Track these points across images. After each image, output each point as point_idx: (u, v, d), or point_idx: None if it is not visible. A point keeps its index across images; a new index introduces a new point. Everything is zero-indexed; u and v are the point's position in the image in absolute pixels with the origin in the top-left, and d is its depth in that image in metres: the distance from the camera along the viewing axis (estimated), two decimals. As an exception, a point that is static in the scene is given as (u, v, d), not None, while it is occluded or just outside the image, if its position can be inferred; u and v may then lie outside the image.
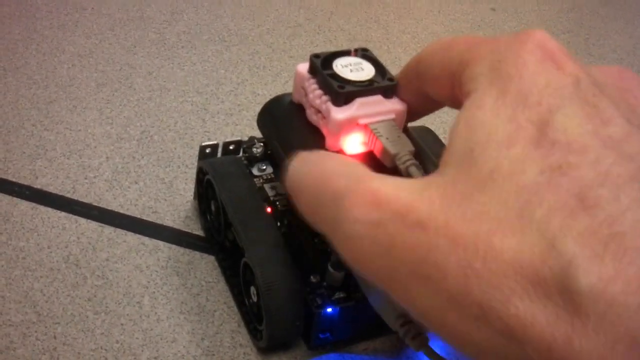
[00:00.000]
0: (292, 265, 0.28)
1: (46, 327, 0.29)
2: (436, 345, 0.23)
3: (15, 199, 0.34)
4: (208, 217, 0.33)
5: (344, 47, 0.29)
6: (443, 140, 0.35)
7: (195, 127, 0.40)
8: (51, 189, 0.35)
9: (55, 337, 0.29)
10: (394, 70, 0.29)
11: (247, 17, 0.51)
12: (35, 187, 0.35)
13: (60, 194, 0.35)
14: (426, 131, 0.36)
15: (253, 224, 0.29)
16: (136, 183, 0.36)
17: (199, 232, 0.34)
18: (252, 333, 0.30)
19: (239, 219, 0.29)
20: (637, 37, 0.58)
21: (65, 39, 0.45)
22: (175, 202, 0.36)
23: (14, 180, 0.35)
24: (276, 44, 0.48)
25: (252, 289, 0.29)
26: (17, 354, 0.28)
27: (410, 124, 0.38)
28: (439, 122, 0.43)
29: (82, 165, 0.37)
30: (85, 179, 0.36)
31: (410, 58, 0.26)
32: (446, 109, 0.24)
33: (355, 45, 0.29)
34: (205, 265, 0.33)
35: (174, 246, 0.33)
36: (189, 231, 0.34)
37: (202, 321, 0.30)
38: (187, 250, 0.33)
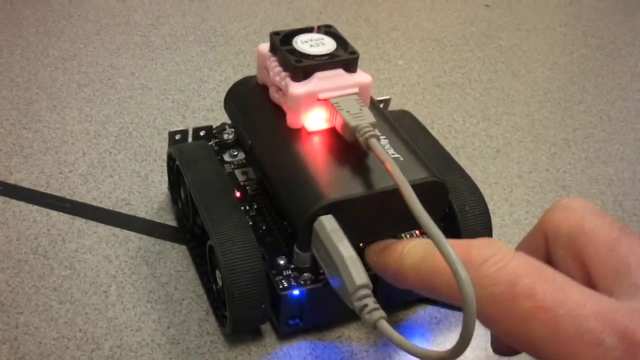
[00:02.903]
0: (256, 246, 0.27)
1: (8, 317, 0.28)
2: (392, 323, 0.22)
3: (-13, 194, 0.34)
4: (179, 204, 0.32)
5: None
6: (421, 122, 0.34)
7: (174, 122, 0.40)
8: (25, 184, 0.35)
9: (17, 327, 0.28)
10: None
11: (234, 19, 0.50)
12: (9, 182, 0.35)
13: (34, 188, 0.35)
14: (404, 114, 0.35)
15: (216, 205, 0.28)
16: (111, 177, 0.36)
17: (172, 223, 0.33)
18: (219, 320, 0.29)
19: (203, 201, 0.28)
20: (636, 29, 0.57)
21: (51, 45, 0.46)
22: (149, 194, 0.35)
23: (-12, 177, 0.35)
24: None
25: (218, 273, 0.28)
26: (-24, 343, 0.27)
27: (390, 109, 0.37)
28: (417, 106, 0.42)
29: (58, 160, 0.36)
30: (60, 173, 0.36)
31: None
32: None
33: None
34: (176, 255, 0.32)
35: (145, 237, 0.32)
36: (162, 222, 0.33)
37: (169, 310, 0.29)
38: (158, 241, 0.32)
